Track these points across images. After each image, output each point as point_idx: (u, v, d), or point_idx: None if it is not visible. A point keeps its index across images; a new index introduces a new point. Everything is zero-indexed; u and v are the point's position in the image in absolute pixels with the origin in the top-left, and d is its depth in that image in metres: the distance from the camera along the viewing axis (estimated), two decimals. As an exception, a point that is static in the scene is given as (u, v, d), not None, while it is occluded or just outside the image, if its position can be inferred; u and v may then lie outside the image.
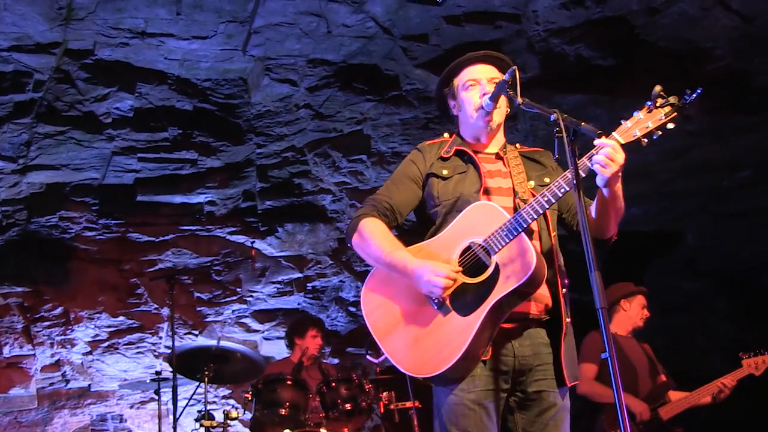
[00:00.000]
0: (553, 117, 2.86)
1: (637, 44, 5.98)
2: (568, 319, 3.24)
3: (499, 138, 3.58)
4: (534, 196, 3.18)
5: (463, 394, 3.13)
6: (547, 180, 3.43)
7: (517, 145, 3.63)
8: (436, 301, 3.13)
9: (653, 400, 5.91)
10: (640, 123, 2.96)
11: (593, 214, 3.29)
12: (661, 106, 2.94)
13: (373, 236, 3.32)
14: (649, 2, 5.59)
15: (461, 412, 3.11)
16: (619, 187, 3.11)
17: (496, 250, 3.07)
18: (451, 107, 3.64)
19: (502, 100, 3.41)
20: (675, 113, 2.92)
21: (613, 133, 3.01)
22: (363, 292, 3.36)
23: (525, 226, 3.05)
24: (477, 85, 3.48)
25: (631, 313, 6.32)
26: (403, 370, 3.17)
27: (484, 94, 3.40)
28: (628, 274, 6.46)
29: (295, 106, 6.62)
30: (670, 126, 2.95)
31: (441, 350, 3.06)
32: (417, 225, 3.57)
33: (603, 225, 3.29)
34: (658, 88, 2.93)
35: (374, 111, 6.76)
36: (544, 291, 3.22)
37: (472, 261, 3.14)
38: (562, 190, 3.04)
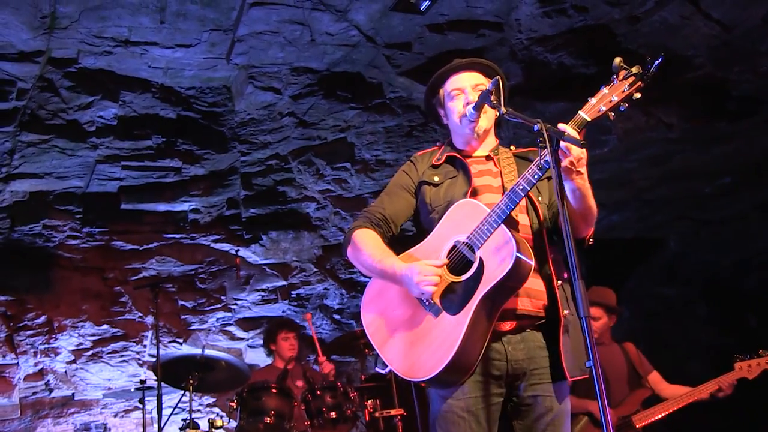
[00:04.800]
0: (536, 127, 2.86)
1: (618, 52, 6.00)
2: (566, 311, 3.17)
3: (490, 141, 3.60)
4: None
5: (452, 401, 3.12)
6: None
7: (512, 147, 3.63)
8: (427, 302, 3.14)
9: (626, 408, 5.90)
10: (605, 98, 2.99)
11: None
12: (625, 78, 2.95)
13: (365, 246, 3.36)
14: (631, 11, 5.65)
15: (451, 420, 3.11)
16: (582, 184, 3.07)
17: (479, 244, 3.07)
18: (441, 116, 3.67)
19: (487, 107, 3.41)
20: (639, 82, 2.94)
21: (579, 112, 3.05)
22: (362, 305, 3.40)
23: (504, 216, 3.05)
24: (461, 93, 3.50)
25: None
26: (401, 376, 3.17)
27: (468, 103, 3.42)
28: (609, 281, 6.45)
29: (278, 114, 6.63)
30: (637, 96, 2.95)
31: (435, 351, 3.05)
32: (416, 235, 3.56)
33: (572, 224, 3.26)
34: (617, 60, 2.96)
35: (358, 119, 6.78)
36: (538, 286, 3.20)
37: (458, 259, 3.14)
38: (536, 177, 3.03)
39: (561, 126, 2.96)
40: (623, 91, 2.95)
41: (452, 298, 3.09)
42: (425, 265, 3.11)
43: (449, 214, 3.26)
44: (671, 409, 5.90)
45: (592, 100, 3.02)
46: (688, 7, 5.59)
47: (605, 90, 2.99)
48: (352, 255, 3.44)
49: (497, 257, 3.03)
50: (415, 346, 3.13)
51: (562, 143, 2.90)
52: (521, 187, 3.05)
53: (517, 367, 3.17)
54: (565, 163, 2.96)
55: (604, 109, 2.99)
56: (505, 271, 2.97)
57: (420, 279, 3.07)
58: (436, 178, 3.48)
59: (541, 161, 3.00)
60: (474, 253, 3.09)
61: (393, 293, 3.30)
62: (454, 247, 3.18)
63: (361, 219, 3.50)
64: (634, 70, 2.93)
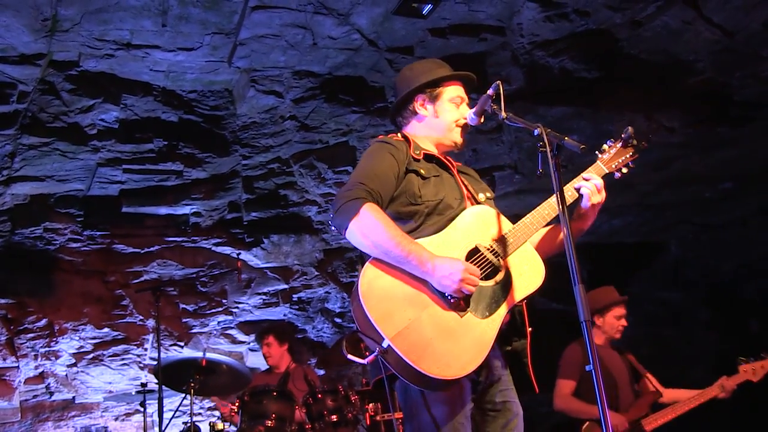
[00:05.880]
0: (536, 131, 2.93)
1: (620, 57, 6.04)
2: (530, 329, 3.29)
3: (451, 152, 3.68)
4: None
5: (458, 408, 3.09)
6: (488, 194, 3.57)
7: None
8: (452, 299, 3.03)
9: (635, 412, 5.89)
10: (617, 156, 3.45)
11: (545, 238, 3.51)
12: (629, 146, 3.44)
13: (383, 224, 3.08)
14: (633, 15, 5.64)
15: (454, 428, 3.06)
16: (588, 224, 3.38)
17: (506, 254, 3.16)
18: (417, 105, 3.58)
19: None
20: (636, 155, 3.48)
21: (598, 163, 3.44)
22: (362, 285, 3.04)
23: (532, 233, 3.24)
24: (462, 103, 3.57)
25: (605, 328, 6.11)
26: (422, 371, 2.90)
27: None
28: (610, 285, 6.43)
29: (280, 117, 6.63)
30: (631, 166, 3.52)
31: (465, 351, 2.98)
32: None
33: (546, 251, 3.45)
34: (631, 130, 3.37)
35: (360, 122, 6.78)
36: None
37: (483, 263, 3.15)
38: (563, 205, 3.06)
39: (587, 174, 3.40)
40: (627, 157, 3.48)
41: (478, 301, 3.08)
42: (473, 266, 3.07)
43: (468, 216, 3.26)
44: (679, 411, 5.88)
45: (606, 155, 3.48)
46: (689, 12, 5.58)
47: (613, 149, 3.48)
48: (357, 228, 3.10)
49: (528, 271, 3.20)
50: (437, 342, 2.97)
51: (596, 181, 3.34)
52: (546, 212, 3.28)
53: (495, 372, 3.25)
54: (594, 200, 3.30)
55: (617, 166, 3.46)
56: (536, 287, 3.18)
57: (466, 276, 2.97)
58: (423, 171, 3.37)
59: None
60: (500, 260, 3.17)
61: (404, 279, 3.07)
62: (475, 250, 3.19)
63: (363, 191, 3.19)
64: (635, 142, 3.44)
